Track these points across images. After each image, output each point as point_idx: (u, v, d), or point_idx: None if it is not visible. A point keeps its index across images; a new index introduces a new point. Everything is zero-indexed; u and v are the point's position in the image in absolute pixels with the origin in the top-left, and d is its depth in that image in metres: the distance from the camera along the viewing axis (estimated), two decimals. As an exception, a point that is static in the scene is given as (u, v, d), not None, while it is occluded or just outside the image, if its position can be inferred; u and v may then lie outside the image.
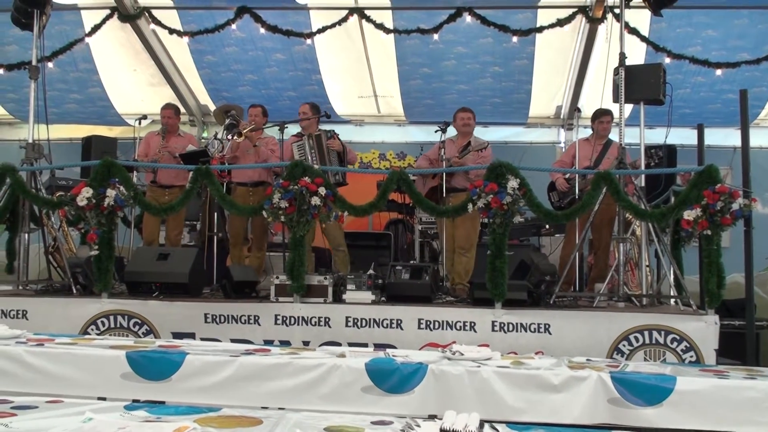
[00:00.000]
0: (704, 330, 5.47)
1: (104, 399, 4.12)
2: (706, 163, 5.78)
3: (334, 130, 7.56)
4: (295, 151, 7.29)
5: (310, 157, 7.14)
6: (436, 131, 7.35)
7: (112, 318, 6.09)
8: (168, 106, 8.04)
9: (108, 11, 9.70)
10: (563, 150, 10.51)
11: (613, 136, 7.28)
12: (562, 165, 7.65)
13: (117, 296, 6.28)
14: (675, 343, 5.47)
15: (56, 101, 10.39)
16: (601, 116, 7.45)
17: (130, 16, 9.73)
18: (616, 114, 7.18)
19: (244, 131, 7.42)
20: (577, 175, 7.28)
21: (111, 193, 6.11)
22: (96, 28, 9.73)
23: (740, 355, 6.03)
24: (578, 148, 7.44)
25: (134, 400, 4.04)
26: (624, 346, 5.53)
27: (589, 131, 7.66)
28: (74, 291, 6.49)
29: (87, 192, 6.10)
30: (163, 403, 4.13)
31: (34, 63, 7.29)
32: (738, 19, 9.05)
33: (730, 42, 9.24)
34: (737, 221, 5.60)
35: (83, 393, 4.17)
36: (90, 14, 9.81)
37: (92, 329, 6.08)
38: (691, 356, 5.44)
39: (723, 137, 9.64)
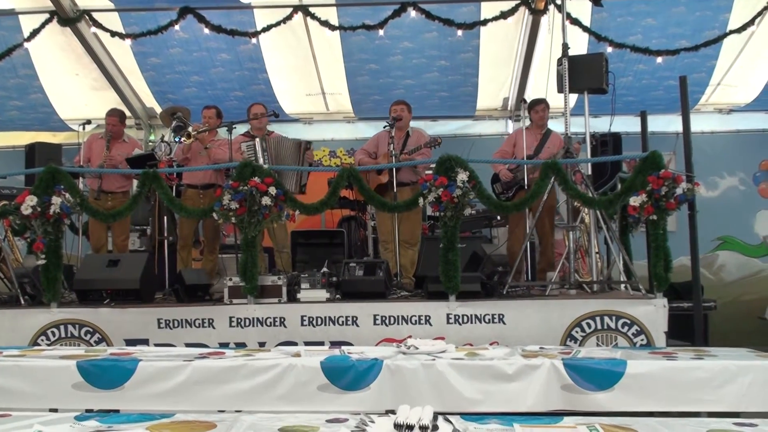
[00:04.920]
0: (653, 313, 5.59)
1: (56, 410, 4.05)
2: (650, 150, 5.90)
3: (311, 143, 7.59)
4: (243, 150, 7.22)
5: (261, 159, 7.08)
6: (384, 127, 7.32)
7: (62, 328, 5.98)
8: (113, 113, 7.87)
9: (47, 15, 9.45)
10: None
11: (557, 125, 7.37)
12: (503, 155, 7.68)
13: (67, 305, 6.17)
14: (626, 328, 5.58)
15: (-4, 109, 10.15)
16: (536, 105, 7.61)
17: (69, 19, 9.50)
18: (554, 103, 7.28)
19: (194, 132, 7.33)
20: (523, 164, 7.35)
21: (56, 200, 5.98)
22: (35, 32, 9.47)
23: (689, 336, 6.17)
24: (519, 138, 7.51)
25: (87, 410, 3.97)
26: (577, 332, 5.62)
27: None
28: (22, 302, 6.35)
29: (31, 200, 5.97)
30: (117, 411, 4.08)
31: (-29, 71, 7.11)
32: (676, 7, 9.21)
33: (670, 30, 9.39)
34: (681, 205, 5.73)
35: (33, 405, 4.11)
36: (28, 19, 9.54)
37: (42, 340, 5.96)
38: (642, 339, 5.55)
39: (666, 123, 9.82)
